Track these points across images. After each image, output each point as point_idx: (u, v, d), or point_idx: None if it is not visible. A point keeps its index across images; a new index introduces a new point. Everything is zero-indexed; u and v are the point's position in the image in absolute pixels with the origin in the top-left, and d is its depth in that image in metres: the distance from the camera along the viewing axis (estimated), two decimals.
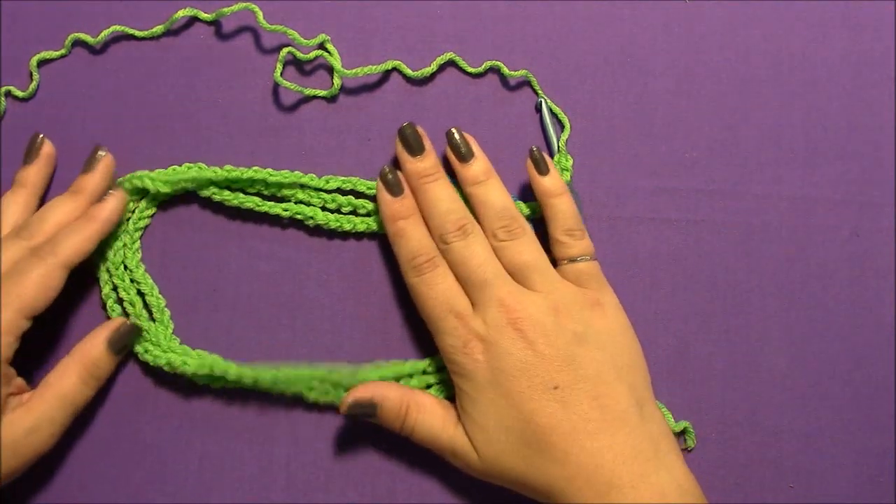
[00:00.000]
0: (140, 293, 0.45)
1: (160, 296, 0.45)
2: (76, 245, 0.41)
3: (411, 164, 0.44)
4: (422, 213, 0.44)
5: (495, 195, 0.44)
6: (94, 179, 0.44)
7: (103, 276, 0.45)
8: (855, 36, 0.49)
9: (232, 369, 0.42)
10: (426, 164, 0.44)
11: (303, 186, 0.46)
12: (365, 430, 0.45)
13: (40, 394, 0.40)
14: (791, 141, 0.49)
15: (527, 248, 0.43)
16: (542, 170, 0.45)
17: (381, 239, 0.47)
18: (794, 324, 0.47)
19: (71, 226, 0.42)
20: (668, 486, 0.39)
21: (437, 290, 0.42)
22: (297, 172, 0.45)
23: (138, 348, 0.44)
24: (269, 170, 0.45)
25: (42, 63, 0.47)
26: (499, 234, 0.43)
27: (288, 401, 0.45)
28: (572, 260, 0.44)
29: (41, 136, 0.45)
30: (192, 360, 0.43)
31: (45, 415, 0.40)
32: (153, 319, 0.45)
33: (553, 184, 0.45)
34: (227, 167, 0.45)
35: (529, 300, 0.41)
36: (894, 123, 0.49)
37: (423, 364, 0.45)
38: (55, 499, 0.44)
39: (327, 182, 0.46)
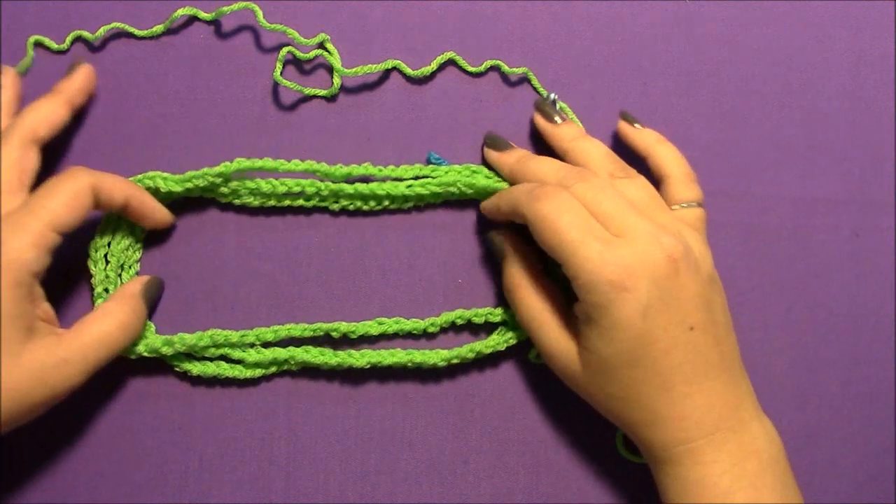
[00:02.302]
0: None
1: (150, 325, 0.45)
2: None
3: (504, 156, 0.45)
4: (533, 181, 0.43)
5: (597, 145, 0.44)
6: (73, 83, 0.44)
7: (98, 275, 0.44)
8: (855, 36, 0.50)
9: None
10: (519, 152, 0.45)
11: (314, 174, 0.45)
12: (365, 430, 0.45)
13: (77, 329, 0.40)
14: (791, 141, 0.49)
15: (645, 186, 0.42)
16: (633, 124, 0.45)
17: (382, 238, 0.47)
18: (794, 324, 0.47)
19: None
20: (762, 437, 0.40)
21: (572, 212, 0.39)
22: (309, 161, 0.45)
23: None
24: (281, 160, 0.45)
25: (38, 44, 0.46)
26: (616, 173, 0.42)
27: (287, 399, 0.45)
28: (687, 204, 0.43)
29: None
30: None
31: (79, 351, 0.39)
32: None
33: (655, 134, 0.45)
34: (239, 160, 0.44)
35: (667, 231, 0.39)
36: (894, 123, 0.49)
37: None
38: (55, 499, 0.44)
39: (338, 169, 0.45)
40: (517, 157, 0.44)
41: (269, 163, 0.44)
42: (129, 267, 0.45)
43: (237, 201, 0.46)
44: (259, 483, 0.45)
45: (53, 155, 0.45)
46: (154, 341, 0.43)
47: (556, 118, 0.45)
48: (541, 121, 0.46)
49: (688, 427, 0.39)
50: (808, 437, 0.47)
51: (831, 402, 0.47)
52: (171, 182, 0.44)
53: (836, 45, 0.49)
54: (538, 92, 0.48)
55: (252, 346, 0.44)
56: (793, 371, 0.47)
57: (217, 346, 0.44)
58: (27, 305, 0.38)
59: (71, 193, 0.39)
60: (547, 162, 0.43)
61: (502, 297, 0.46)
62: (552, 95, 0.47)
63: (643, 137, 0.45)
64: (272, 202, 0.46)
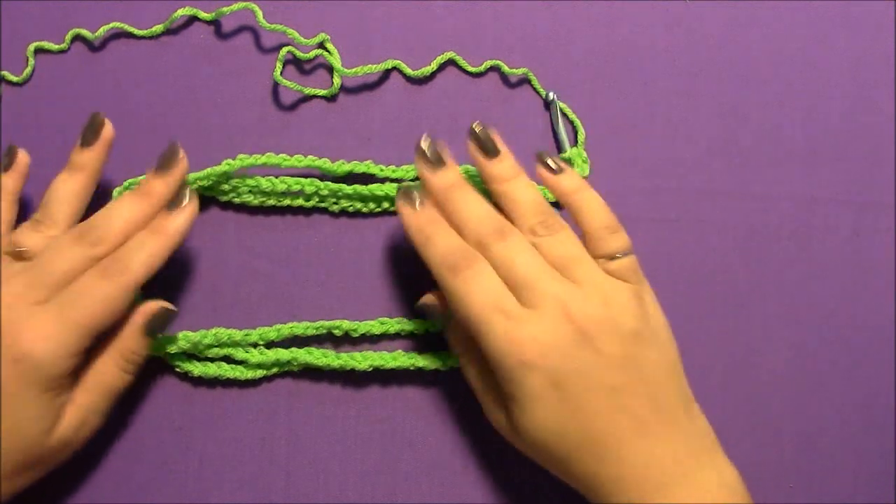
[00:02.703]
0: None
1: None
2: (146, 263, 0.39)
3: (434, 177, 0.41)
4: (455, 228, 0.41)
5: (527, 191, 0.42)
6: (167, 184, 0.41)
7: None
8: (855, 36, 0.50)
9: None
10: (450, 176, 0.42)
11: (315, 171, 0.46)
12: (365, 430, 0.45)
13: (83, 387, 0.40)
14: (791, 141, 0.49)
15: (568, 240, 0.41)
16: (556, 170, 0.42)
17: (382, 238, 0.47)
18: (794, 324, 0.47)
19: (140, 240, 0.40)
20: (715, 485, 0.38)
21: (482, 286, 0.39)
22: (311, 157, 0.45)
23: None
24: (283, 155, 0.45)
25: (39, 52, 0.46)
26: (538, 230, 0.41)
27: (288, 400, 0.45)
28: (612, 257, 0.41)
29: (102, 115, 0.42)
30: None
31: (91, 407, 0.40)
32: None
33: (573, 180, 0.42)
34: (241, 156, 0.45)
35: (583, 296, 0.39)
36: (894, 123, 0.49)
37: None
38: (55, 498, 0.44)
39: (340, 166, 0.45)
40: (448, 184, 0.41)
41: (271, 158, 0.44)
42: None
43: (237, 199, 0.46)
44: (259, 483, 0.45)
45: (54, 155, 0.45)
46: (159, 341, 0.43)
47: (495, 150, 0.42)
48: (475, 153, 0.42)
49: (630, 487, 0.38)
50: (808, 437, 0.47)
51: (831, 402, 0.47)
52: None
53: (836, 45, 0.49)
54: (538, 92, 0.48)
55: (255, 345, 0.44)
56: (793, 371, 0.47)
57: (220, 345, 0.44)
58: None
59: (108, 298, 0.39)
60: (473, 205, 0.41)
61: None
62: (551, 95, 0.47)
63: (560, 185, 0.42)
64: (272, 201, 0.46)
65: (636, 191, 0.47)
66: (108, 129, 0.42)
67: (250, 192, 0.45)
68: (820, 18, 0.49)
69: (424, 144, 0.42)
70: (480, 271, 0.39)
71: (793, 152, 0.49)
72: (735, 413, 0.46)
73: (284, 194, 0.46)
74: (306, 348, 0.45)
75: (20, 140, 0.46)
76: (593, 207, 0.42)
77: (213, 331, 0.44)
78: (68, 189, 0.42)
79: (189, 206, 0.41)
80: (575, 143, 0.47)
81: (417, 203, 0.41)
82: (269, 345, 0.45)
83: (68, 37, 0.46)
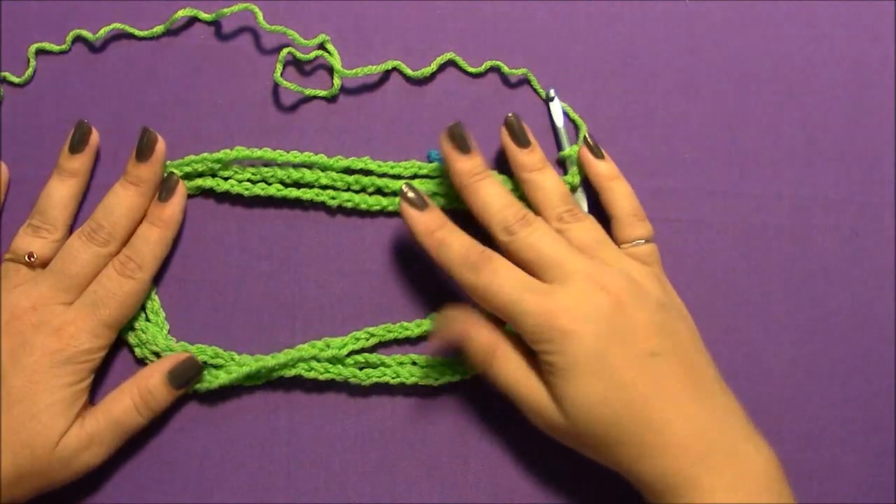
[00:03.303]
0: None
1: (155, 296, 0.45)
2: (156, 254, 0.43)
3: (461, 162, 0.43)
4: (476, 213, 0.43)
5: (555, 181, 0.44)
6: (153, 169, 0.43)
7: None
8: (855, 36, 0.49)
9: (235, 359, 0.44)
10: (475, 163, 0.43)
11: (312, 166, 0.46)
12: (365, 430, 0.45)
13: (95, 414, 0.41)
14: (791, 141, 0.49)
15: (593, 227, 0.43)
16: (598, 154, 0.46)
17: (382, 238, 0.47)
18: (794, 324, 0.47)
19: (144, 235, 0.43)
20: (759, 459, 0.38)
21: (505, 276, 0.40)
22: (307, 153, 0.45)
23: (140, 352, 0.44)
24: (280, 150, 0.45)
25: (40, 52, 0.46)
26: (565, 217, 0.43)
27: (288, 400, 0.45)
28: (637, 242, 0.44)
29: (88, 123, 0.44)
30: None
31: (97, 435, 0.41)
32: (148, 320, 0.45)
33: (610, 167, 0.45)
34: (238, 148, 0.45)
35: (609, 270, 0.40)
36: (894, 123, 0.49)
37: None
38: (55, 498, 0.44)
39: (337, 161, 0.46)
40: (472, 170, 0.43)
41: (267, 153, 0.45)
42: None
43: (236, 187, 0.45)
44: (259, 483, 0.45)
45: (55, 156, 0.45)
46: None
47: (527, 141, 0.45)
48: (508, 141, 0.45)
49: (677, 454, 0.38)
50: (808, 437, 0.47)
51: (831, 402, 0.47)
52: (170, 168, 0.45)
53: (836, 45, 0.49)
54: (538, 92, 0.48)
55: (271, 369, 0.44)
56: (793, 371, 0.47)
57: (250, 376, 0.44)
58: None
59: (132, 294, 0.43)
60: (496, 192, 0.43)
61: None
62: (551, 93, 0.47)
63: (597, 171, 0.45)
64: (272, 190, 0.45)
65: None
66: (94, 136, 0.45)
67: (249, 179, 0.45)
68: (820, 18, 0.49)
69: (454, 129, 0.43)
70: (501, 264, 0.41)
71: (793, 152, 0.49)
72: None
73: (284, 183, 0.46)
74: (308, 363, 0.44)
75: (20, 141, 0.46)
76: (626, 194, 0.45)
77: (242, 363, 0.44)
78: (63, 194, 0.44)
79: (178, 192, 0.44)
80: (575, 141, 0.47)
81: (422, 206, 0.42)
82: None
83: (69, 38, 0.46)
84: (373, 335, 0.45)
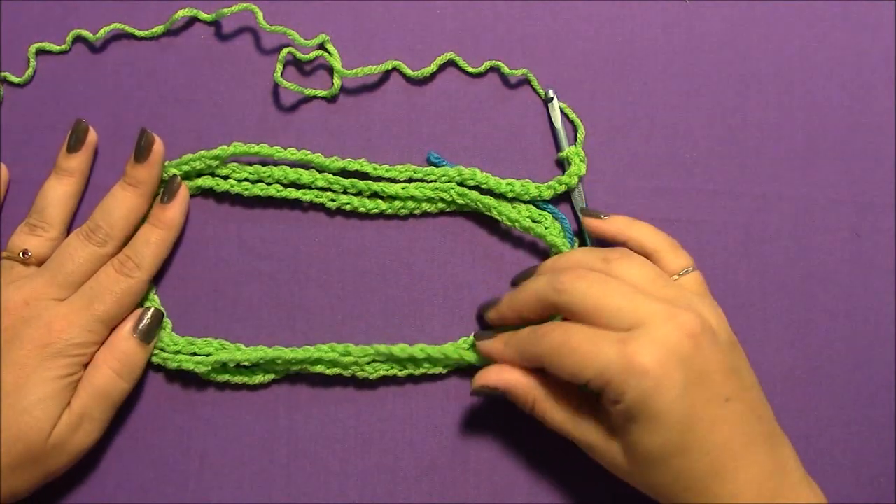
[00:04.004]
0: None
1: (155, 296, 0.45)
2: (156, 255, 0.43)
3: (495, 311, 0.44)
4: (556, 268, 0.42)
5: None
6: (150, 170, 0.44)
7: None
8: (855, 36, 0.49)
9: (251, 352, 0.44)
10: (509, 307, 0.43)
11: (309, 165, 0.46)
12: (365, 430, 0.45)
13: (78, 392, 0.41)
14: (791, 141, 0.49)
15: (643, 261, 0.41)
16: (599, 216, 0.45)
17: (382, 238, 0.47)
18: (794, 324, 0.47)
19: (145, 236, 0.43)
20: (813, 501, 0.39)
21: (575, 332, 0.38)
22: (304, 151, 0.45)
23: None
24: (277, 147, 0.45)
25: (40, 53, 0.46)
26: (610, 255, 0.41)
27: (288, 400, 0.45)
28: (685, 271, 0.42)
29: (85, 122, 0.45)
30: (209, 356, 0.44)
31: (86, 412, 0.41)
32: None
33: (619, 222, 0.44)
34: (235, 143, 0.45)
35: (684, 313, 0.38)
36: (894, 123, 0.49)
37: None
38: (55, 498, 0.44)
39: (333, 162, 0.46)
40: (505, 312, 0.43)
41: (264, 149, 0.45)
42: None
43: (235, 188, 0.45)
44: (259, 483, 0.45)
45: (55, 156, 0.45)
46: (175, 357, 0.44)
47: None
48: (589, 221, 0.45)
49: (743, 502, 0.37)
50: (808, 437, 0.47)
51: (831, 402, 0.47)
52: (169, 168, 0.45)
53: (836, 45, 0.49)
54: (537, 92, 0.48)
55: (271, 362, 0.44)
56: (793, 371, 0.47)
57: (258, 364, 0.45)
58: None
59: (128, 294, 0.43)
60: (530, 286, 0.41)
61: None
62: (550, 93, 0.47)
63: (615, 225, 0.44)
64: (272, 191, 0.45)
65: (636, 191, 0.47)
66: (91, 135, 0.45)
67: (247, 179, 0.45)
68: (820, 18, 0.49)
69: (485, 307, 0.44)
70: (564, 327, 0.39)
71: (793, 152, 0.49)
72: None
73: (282, 184, 0.46)
74: (316, 347, 0.44)
75: (20, 141, 0.46)
76: (653, 231, 0.44)
77: (222, 349, 0.44)
78: (60, 193, 0.44)
79: (180, 195, 0.44)
80: (574, 142, 0.47)
81: (490, 337, 0.43)
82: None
83: (69, 38, 0.46)
84: (393, 354, 0.44)
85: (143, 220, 0.44)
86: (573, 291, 0.39)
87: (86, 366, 0.41)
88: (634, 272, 0.40)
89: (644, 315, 0.38)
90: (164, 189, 0.44)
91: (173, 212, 0.44)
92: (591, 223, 0.45)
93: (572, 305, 0.39)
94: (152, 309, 0.43)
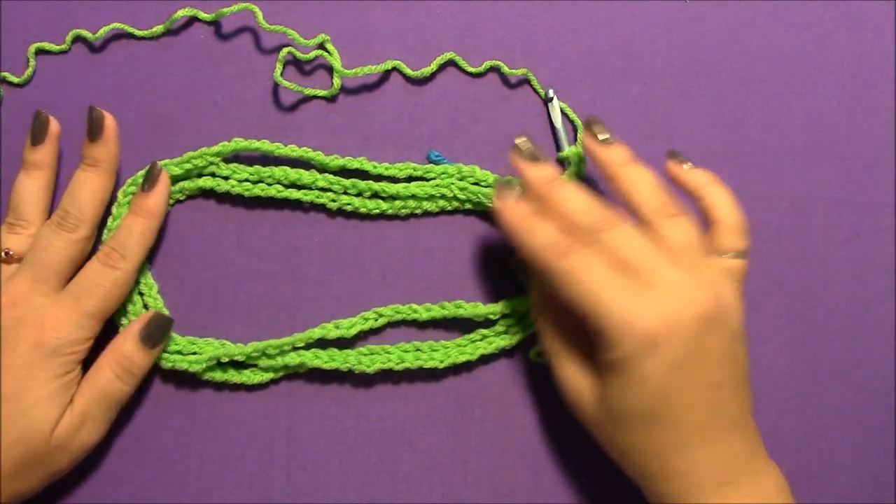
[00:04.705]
0: (139, 293, 0.45)
1: (158, 295, 0.45)
2: (140, 244, 0.43)
3: (534, 171, 0.41)
4: (556, 217, 0.40)
5: (645, 175, 0.41)
6: (106, 148, 0.43)
7: None
8: (855, 36, 0.49)
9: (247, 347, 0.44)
10: (549, 170, 0.41)
11: (309, 162, 0.46)
12: (365, 430, 0.45)
13: (81, 391, 0.41)
14: (791, 141, 0.49)
15: (687, 227, 0.40)
16: (684, 164, 0.43)
17: (382, 238, 0.47)
18: (794, 324, 0.47)
19: (128, 226, 0.43)
20: (773, 486, 0.39)
21: (593, 268, 0.38)
22: (304, 148, 0.45)
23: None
24: (278, 143, 0.45)
25: (40, 52, 0.46)
26: (661, 211, 0.40)
27: (288, 400, 0.45)
28: (733, 255, 0.41)
29: (45, 113, 0.44)
30: (204, 352, 0.44)
31: (88, 412, 0.41)
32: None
33: (701, 177, 0.43)
34: (236, 139, 0.45)
35: (698, 286, 0.38)
36: (894, 123, 0.49)
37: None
38: (55, 498, 0.44)
39: (333, 160, 0.46)
40: (547, 180, 0.41)
41: (265, 145, 0.45)
42: None
43: (235, 188, 0.45)
44: (259, 483, 0.45)
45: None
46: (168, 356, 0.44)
47: (604, 137, 0.42)
48: (588, 140, 0.43)
49: (702, 482, 0.38)
50: (808, 437, 0.47)
51: (831, 402, 0.47)
52: (170, 167, 0.45)
53: (836, 45, 0.49)
54: (537, 92, 0.48)
55: (268, 355, 0.44)
56: (793, 371, 0.47)
57: (248, 356, 0.44)
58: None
59: (116, 284, 0.42)
60: (576, 197, 0.40)
61: (501, 296, 0.46)
62: (550, 92, 0.47)
63: (695, 178, 0.43)
64: (272, 191, 0.45)
65: None
66: (54, 125, 0.44)
67: (247, 179, 0.45)
68: (820, 18, 0.49)
69: (520, 141, 0.41)
70: (589, 256, 0.38)
71: (793, 152, 0.49)
72: None
73: (282, 184, 0.46)
74: (313, 350, 0.45)
75: (21, 141, 0.46)
76: (728, 201, 0.42)
77: (222, 345, 0.44)
78: (32, 188, 0.44)
79: (161, 182, 0.44)
80: (574, 142, 0.47)
81: (516, 195, 0.41)
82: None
83: (69, 38, 0.46)
84: (381, 315, 0.45)
85: (112, 201, 0.44)
86: (603, 236, 0.39)
87: (81, 363, 0.41)
88: (674, 233, 0.39)
89: (665, 279, 0.38)
90: (145, 177, 0.44)
91: (155, 199, 0.43)
92: (672, 168, 0.43)
93: (607, 251, 0.38)
94: (158, 314, 0.43)
